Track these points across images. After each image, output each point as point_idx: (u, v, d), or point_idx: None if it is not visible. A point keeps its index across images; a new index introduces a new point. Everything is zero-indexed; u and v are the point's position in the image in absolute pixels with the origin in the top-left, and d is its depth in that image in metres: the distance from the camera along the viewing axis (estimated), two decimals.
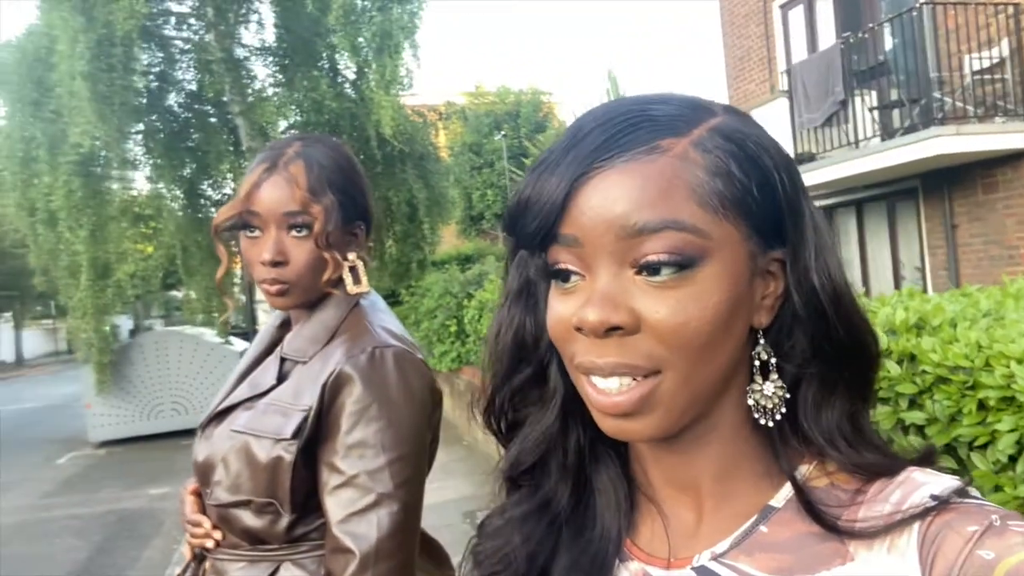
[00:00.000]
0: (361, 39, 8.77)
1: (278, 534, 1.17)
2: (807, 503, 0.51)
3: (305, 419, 1.14)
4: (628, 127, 0.50)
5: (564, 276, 0.52)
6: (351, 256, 1.24)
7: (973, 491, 0.49)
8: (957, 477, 0.50)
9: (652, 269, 0.48)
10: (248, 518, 1.17)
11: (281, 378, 1.22)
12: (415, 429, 1.16)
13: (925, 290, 6.33)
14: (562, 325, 0.52)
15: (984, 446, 1.54)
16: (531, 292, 0.58)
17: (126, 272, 9.42)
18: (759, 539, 0.53)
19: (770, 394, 0.53)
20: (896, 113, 7.19)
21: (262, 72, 9.79)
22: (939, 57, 6.76)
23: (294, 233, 1.19)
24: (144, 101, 9.02)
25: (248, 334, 11.82)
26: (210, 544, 1.21)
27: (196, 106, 9.79)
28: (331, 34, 8.87)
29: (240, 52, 9.49)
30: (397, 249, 10.13)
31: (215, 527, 1.22)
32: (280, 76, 9.61)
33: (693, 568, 0.54)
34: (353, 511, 1.09)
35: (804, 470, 0.53)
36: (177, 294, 12.34)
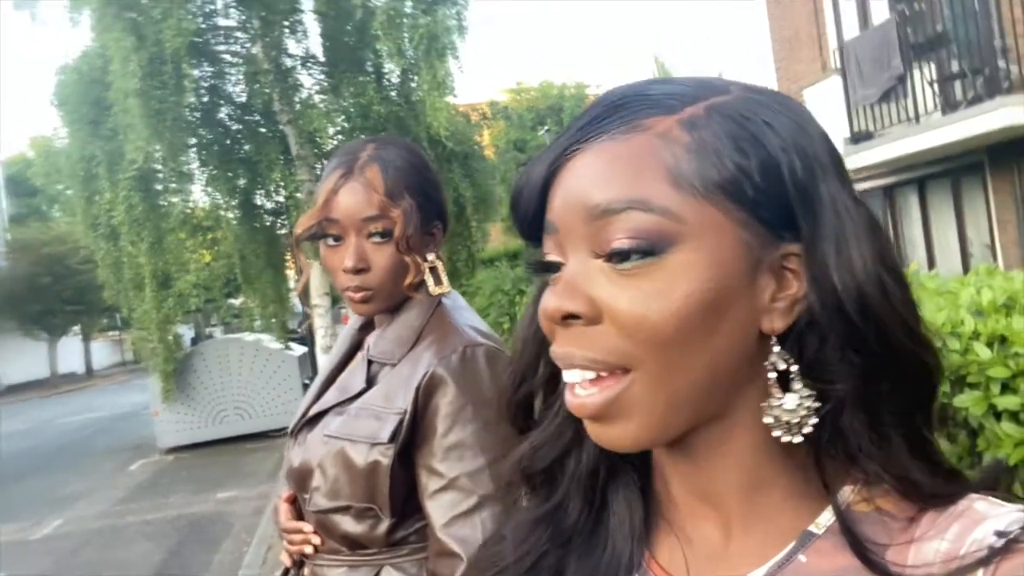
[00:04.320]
0: (407, 43, 8.80)
1: (378, 538, 1.16)
2: (850, 534, 0.45)
3: (400, 422, 1.13)
4: (616, 107, 0.47)
5: (551, 267, 0.48)
6: (430, 257, 1.22)
7: None
8: None
9: (618, 256, 0.44)
10: (348, 523, 1.16)
11: (370, 381, 1.21)
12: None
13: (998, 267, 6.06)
14: (543, 318, 0.48)
15: None
16: None
17: (188, 282, 9.67)
18: (798, 569, 0.46)
19: (792, 407, 0.46)
20: (958, 85, 6.91)
21: (308, 81, 9.93)
22: (1002, 23, 6.47)
23: (375, 239, 1.17)
24: (197, 116, 9.24)
25: (305, 339, 12.01)
26: (309, 550, 1.21)
27: (246, 117, 9.97)
28: (376, 40, 8.94)
29: (287, 62, 9.63)
30: (446, 248, 10.18)
31: (314, 532, 1.21)
32: (326, 83, 9.73)
33: None
34: (456, 514, 1.08)
35: (847, 492, 0.47)
36: (236, 302, 12.59)
